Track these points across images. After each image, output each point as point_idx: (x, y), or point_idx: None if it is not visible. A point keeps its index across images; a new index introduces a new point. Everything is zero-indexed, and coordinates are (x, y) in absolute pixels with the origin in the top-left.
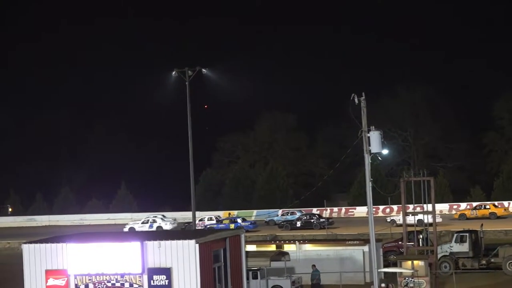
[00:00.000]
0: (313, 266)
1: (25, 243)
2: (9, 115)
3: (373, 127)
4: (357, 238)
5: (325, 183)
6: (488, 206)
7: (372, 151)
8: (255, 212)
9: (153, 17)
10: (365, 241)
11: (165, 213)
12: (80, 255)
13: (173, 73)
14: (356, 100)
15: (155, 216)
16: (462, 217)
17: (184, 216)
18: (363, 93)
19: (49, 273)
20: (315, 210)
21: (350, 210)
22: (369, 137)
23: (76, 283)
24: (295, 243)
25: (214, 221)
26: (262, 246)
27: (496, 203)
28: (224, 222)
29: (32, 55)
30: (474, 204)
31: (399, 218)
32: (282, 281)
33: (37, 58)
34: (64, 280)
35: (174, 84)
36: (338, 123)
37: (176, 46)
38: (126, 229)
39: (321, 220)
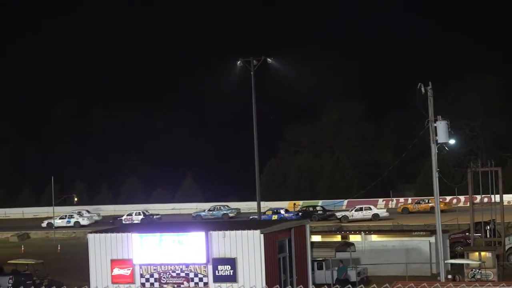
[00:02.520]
0: (340, 262)
1: (90, 232)
2: (75, 104)
3: (440, 116)
4: (423, 229)
5: (391, 173)
6: (429, 201)
7: (439, 141)
8: (320, 202)
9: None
10: (431, 232)
11: (229, 203)
12: (145, 245)
13: (238, 62)
14: (422, 89)
15: (78, 212)
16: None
17: (250, 206)
18: (429, 83)
19: (114, 262)
20: (380, 201)
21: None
22: (435, 127)
23: (141, 272)
24: (360, 234)
25: (142, 216)
26: (327, 236)
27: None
28: (267, 213)
29: (108, 48)
30: None
31: (352, 214)
32: (348, 272)
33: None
34: (129, 269)
35: (239, 74)
36: (405, 113)
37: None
38: (44, 225)
39: (319, 212)
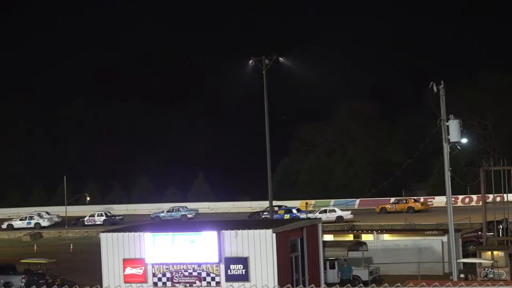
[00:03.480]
0: (344, 261)
1: (103, 232)
2: (87, 103)
3: (452, 115)
4: (436, 228)
5: (404, 172)
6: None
7: (451, 140)
8: (332, 201)
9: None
10: (444, 231)
11: (242, 203)
12: (157, 244)
13: (250, 61)
14: (435, 88)
15: (38, 213)
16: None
17: (262, 205)
18: (442, 82)
19: (126, 262)
20: (393, 200)
21: (429, 200)
22: (448, 125)
23: (153, 272)
24: (372, 233)
25: (104, 217)
26: (340, 236)
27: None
28: (279, 212)
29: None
30: None
31: (315, 216)
32: (360, 271)
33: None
34: (142, 269)
35: (251, 73)
36: (417, 112)
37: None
38: (4, 226)
39: (265, 213)
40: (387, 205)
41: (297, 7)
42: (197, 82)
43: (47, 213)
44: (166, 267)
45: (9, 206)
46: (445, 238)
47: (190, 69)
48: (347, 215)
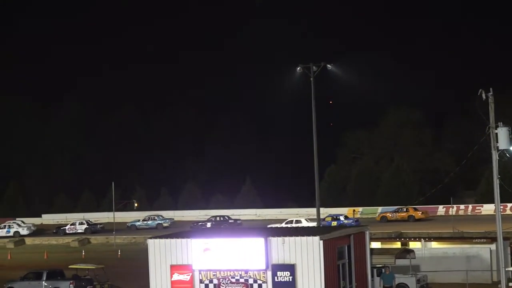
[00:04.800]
0: (387, 268)
1: (150, 238)
2: (136, 111)
3: (501, 123)
4: (484, 236)
5: (452, 180)
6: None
7: (500, 148)
8: (380, 209)
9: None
10: (492, 239)
11: (288, 210)
12: (204, 250)
13: (298, 68)
14: (483, 95)
15: (14, 222)
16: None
17: (309, 212)
18: (490, 89)
19: (174, 268)
20: (441, 208)
21: (477, 208)
22: (496, 133)
23: (200, 278)
24: (420, 241)
25: (85, 225)
26: (387, 243)
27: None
28: (326, 219)
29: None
30: None
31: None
32: (407, 279)
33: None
34: (189, 275)
35: (299, 80)
36: (465, 119)
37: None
38: None
39: (230, 221)
40: (388, 214)
41: (345, 12)
42: (246, 88)
43: (23, 222)
44: (213, 273)
45: (57, 211)
46: (493, 246)
47: (240, 75)
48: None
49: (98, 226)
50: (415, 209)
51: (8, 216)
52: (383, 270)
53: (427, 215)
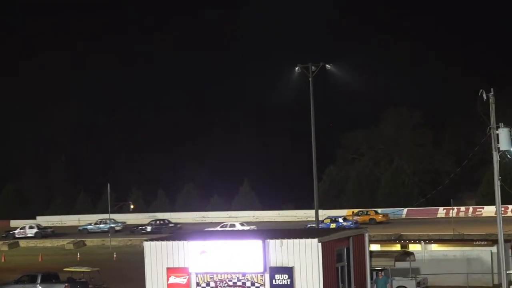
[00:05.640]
0: (380, 272)
1: (146, 240)
2: (130, 111)
3: (502, 123)
4: (485, 239)
5: (452, 181)
6: (369, 213)
7: (501, 149)
8: (379, 210)
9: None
10: (493, 241)
11: (286, 211)
12: (201, 253)
13: (296, 68)
14: (484, 96)
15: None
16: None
17: (307, 214)
18: (491, 89)
19: (170, 271)
20: (441, 209)
21: (478, 210)
22: (497, 134)
23: (197, 281)
24: (420, 243)
25: (36, 230)
26: (387, 245)
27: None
28: (325, 221)
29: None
30: None
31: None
32: (407, 281)
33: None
34: (186, 278)
35: (297, 80)
36: (465, 120)
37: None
38: None
39: (170, 225)
40: (349, 217)
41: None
42: (243, 88)
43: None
44: (210, 276)
45: (53, 213)
46: (494, 249)
47: (236, 75)
48: (247, 229)
49: (49, 230)
50: (376, 212)
51: (2, 218)
52: (376, 274)
53: (387, 218)
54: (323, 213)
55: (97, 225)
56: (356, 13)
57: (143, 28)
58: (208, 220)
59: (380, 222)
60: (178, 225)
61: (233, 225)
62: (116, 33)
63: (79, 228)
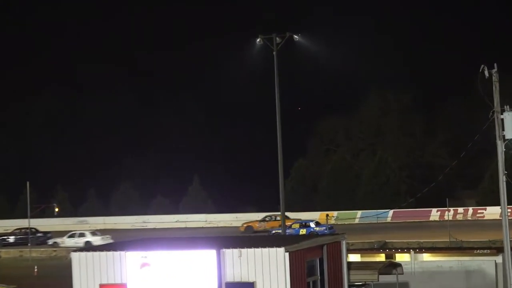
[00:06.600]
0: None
1: (74, 251)
2: (57, 98)
3: (508, 106)
4: (487, 246)
5: (448, 177)
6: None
7: (507, 137)
8: (359, 213)
9: None
10: (498, 249)
11: (247, 214)
12: (141, 266)
13: (258, 40)
14: (486, 73)
15: None
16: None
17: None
18: (495, 65)
19: None
20: (434, 211)
21: (479, 211)
22: (502, 119)
23: None
24: (409, 252)
25: None
26: (368, 255)
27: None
28: (293, 227)
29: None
30: None
31: (63, 240)
32: None
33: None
34: None
35: (258, 54)
36: (464, 102)
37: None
38: None
39: (38, 234)
40: (255, 223)
41: None
42: (192, 66)
43: None
44: None
45: None
46: (499, 259)
47: (183, 50)
48: (97, 240)
49: None
50: (286, 218)
51: None
52: None
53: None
54: (291, 217)
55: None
56: None
57: None
58: (150, 226)
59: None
60: (48, 234)
61: (83, 235)
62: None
63: None
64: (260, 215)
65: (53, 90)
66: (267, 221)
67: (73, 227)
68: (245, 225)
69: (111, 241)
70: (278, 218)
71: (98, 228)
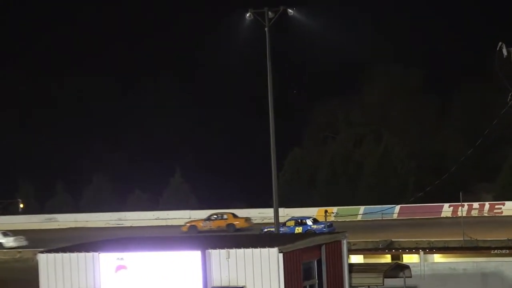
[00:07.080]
0: None
1: (41, 252)
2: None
3: None
4: (506, 246)
5: (462, 168)
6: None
7: None
8: (362, 208)
9: None
10: None
11: (236, 211)
12: (118, 269)
13: (248, 15)
14: (504, 51)
15: None
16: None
17: (264, 214)
18: None
19: None
20: (447, 206)
21: (496, 207)
22: None
23: None
24: (418, 253)
25: None
26: (373, 256)
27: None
28: (288, 224)
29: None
30: None
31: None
32: None
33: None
34: None
35: (249, 30)
36: (480, 84)
37: None
38: None
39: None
40: (199, 222)
41: None
42: (174, 45)
43: None
44: None
45: None
46: None
47: (165, 28)
48: (12, 241)
49: None
50: (235, 216)
51: None
52: None
53: (250, 224)
54: (286, 213)
55: None
56: None
57: None
58: (127, 224)
59: (239, 229)
60: (8, 234)
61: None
62: None
63: None
64: (251, 212)
65: (16, 68)
66: (213, 220)
67: (40, 225)
68: (188, 224)
69: (25, 242)
70: (225, 216)
71: (69, 227)
